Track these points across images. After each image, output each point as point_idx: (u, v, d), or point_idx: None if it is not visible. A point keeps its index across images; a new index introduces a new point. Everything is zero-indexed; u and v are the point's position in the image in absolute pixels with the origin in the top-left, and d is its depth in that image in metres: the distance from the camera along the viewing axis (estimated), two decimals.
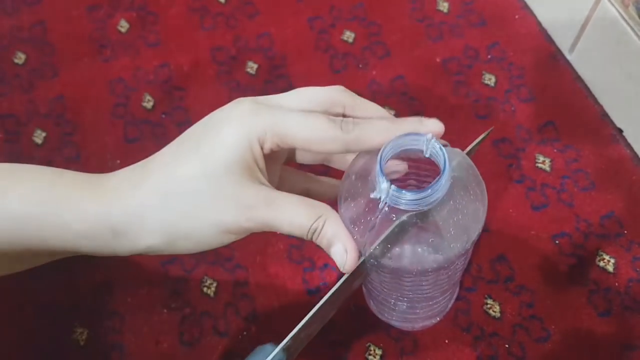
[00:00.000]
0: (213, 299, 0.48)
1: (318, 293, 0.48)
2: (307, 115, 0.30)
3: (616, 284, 0.47)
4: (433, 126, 0.31)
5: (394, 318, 0.45)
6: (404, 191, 0.28)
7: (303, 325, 0.31)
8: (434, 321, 0.46)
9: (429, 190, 0.28)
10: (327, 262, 0.49)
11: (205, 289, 0.48)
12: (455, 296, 0.46)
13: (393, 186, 0.28)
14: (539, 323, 0.46)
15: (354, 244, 0.30)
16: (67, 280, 0.49)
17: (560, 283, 0.47)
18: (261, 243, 0.50)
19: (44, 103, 0.58)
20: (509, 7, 0.60)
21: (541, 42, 0.58)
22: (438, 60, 0.58)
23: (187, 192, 0.29)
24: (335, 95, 0.32)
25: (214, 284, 0.49)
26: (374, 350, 0.45)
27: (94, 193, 0.30)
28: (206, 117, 0.31)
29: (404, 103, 0.56)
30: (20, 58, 0.61)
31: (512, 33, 0.59)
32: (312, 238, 0.30)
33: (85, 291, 0.49)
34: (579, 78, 0.56)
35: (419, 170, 0.34)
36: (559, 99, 0.55)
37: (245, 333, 0.47)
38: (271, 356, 0.30)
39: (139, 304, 0.48)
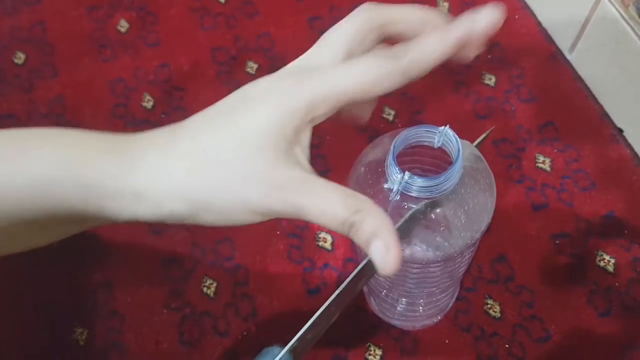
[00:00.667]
0: (213, 299, 0.48)
1: (318, 293, 0.48)
2: (350, 64, 0.28)
3: (616, 284, 0.47)
4: (488, 18, 0.28)
5: (394, 317, 0.45)
6: (417, 177, 0.27)
7: (309, 326, 0.30)
8: (434, 320, 0.46)
9: (442, 177, 0.28)
10: (327, 262, 0.49)
11: (205, 289, 0.48)
12: (456, 295, 0.46)
13: (407, 173, 0.28)
14: (539, 323, 0.46)
15: (398, 242, 0.27)
16: (67, 280, 0.49)
17: (561, 283, 0.47)
18: (261, 243, 0.50)
19: (44, 103, 0.58)
20: (509, 7, 0.60)
21: (541, 42, 0.58)
22: None
23: (215, 164, 0.28)
24: (363, 25, 0.29)
25: (214, 284, 0.49)
26: (374, 351, 0.45)
27: (119, 154, 0.29)
28: (246, 86, 0.29)
29: (404, 103, 0.56)
30: (20, 58, 0.61)
31: (512, 33, 0.59)
32: (347, 233, 0.27)
33: (85, 291, 0.49)
34: (579, 78, 0.56)
35: (423, 165, 0.34)
36: (559, 99, 0.55)
37: (245, 333, 0.47)
38: (277, 358, 0.29)
39: (139, 303, 0.48)
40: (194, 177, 0.28)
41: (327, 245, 0.50)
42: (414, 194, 0.28)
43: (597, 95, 0.54)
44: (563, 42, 0.57)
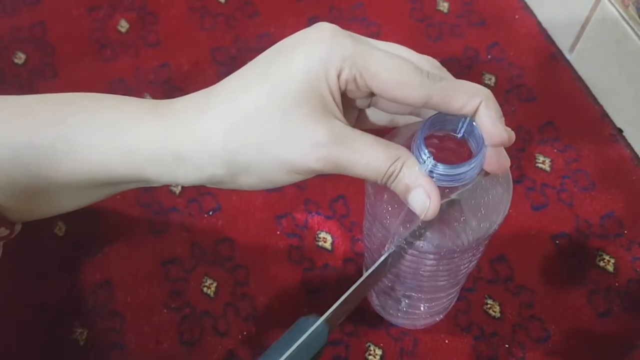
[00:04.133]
0: (213, 299, 0.48)
1: (318, 293, 0.48)
2: (393, 55, 0.27)
3: (616, 284, 0.47)
4: (510, 134, 0.28)
5: (398, 314, 0.45)
6: (440, 164, 0.27)
7: (344, 300, 0.30)
8: (437, 319, 0.46)
9: (467, 165, 0.27)
10: (327, 262, 0.49)
11: (205, 289, 0.48)
12: (458, 294, 0.46)
13: (432, 160, 0.27)
14: (539, 323, 0.46)
15: (437, 190, 0.27)
16: (67, 280, 0.49)
17: (560, 283, 0.47)
18: (261, 243, 0.50)
19: None
20: (509, 7, 0.60)
21: (541, 42, 0.58)
22: (438, 60, 0.58)
23: (252, 123, 0.27)
24: (426, 64, 0.29)
25: (214, 284, 0.49)
26: (374, 350, 0.45)
27: (158, 117, 0.29)
28: (281, 41, 0.29)
29: None
30: (20, 58, 0.61)
31: (512, 33, 0.59)
32: (386, 183, 0.28)
33: (85, 291, 0.49)
34: (579, 78, 0.56)
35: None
36: (559, 99, 0.55)
37: (245, 333, 0.47)
38: (314, 326, 0.29)
39: (139, 303, 0.48)
40: (233, 139, 0.28)
41: (327, 245, 0.50)
42: (437, 183, 0.28)
43: (597, 95, 0.54)
44: (563, 42, 0.57)
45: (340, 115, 0.28)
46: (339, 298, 0.32)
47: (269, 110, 0.27)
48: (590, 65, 0.54)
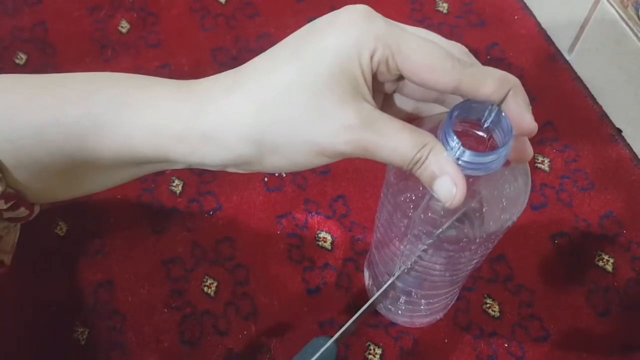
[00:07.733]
0: (213, 298, 0.48)
1: (318, 293, 0.48)
2: (425, 38, 0.27)
3: (615, 284, 0.47)
4: (534, 126, 0.28)
5: (399, 312, 0.45)
6: (468, 151, 0.26)
7: (353, 321, 0.32)
8: (437, 317, 0.46)
9: (496, 154, 0.26)
10: (327, 262, 0.49)
11: (205, 289, 0.49)
12: (458, 293, 0.46)
13: (461, 146, 0.26)
14: (538, 323, 0.46)
15: (464, 178, 0.27)
16: (67, 280, 0.50)
17: (560, 283, 0.47)
18: (261, 243, 0.50)
19: None
20: (509, 7, 0.60)
21: (540, 43, 0.58)
22: None
23: (282, 103, 0.27)
24: (455, 51, 0.28)
25: (215, 284, 0.49)
26: (374, 350, 0.46)
27: (184, 96, 0.29)
28: (313, 22, 0.28)
29: None
30: (21, 58, 0.61)
31: (511, 34, 0.59)
32: (411, 169, 0.27)
33: (85, 291, 0.49)
34: (578, 78, 0.56)
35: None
36: (558, 99, 0.55)
37: (245, 333, 0.47)
38: (324, 348, 0.32)
39: (139, 303, 0.48)
40: (262, 119, 0.27)
41: (327, 245, 0.50)
42: (464, 170, 0.27)
43: (596, 96, 0.55)
44: (562, 43, 0.57)
45: (370, 97, 0.27)
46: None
47: (299, 91, 0.27)
48: (589, 65, 0.55)
